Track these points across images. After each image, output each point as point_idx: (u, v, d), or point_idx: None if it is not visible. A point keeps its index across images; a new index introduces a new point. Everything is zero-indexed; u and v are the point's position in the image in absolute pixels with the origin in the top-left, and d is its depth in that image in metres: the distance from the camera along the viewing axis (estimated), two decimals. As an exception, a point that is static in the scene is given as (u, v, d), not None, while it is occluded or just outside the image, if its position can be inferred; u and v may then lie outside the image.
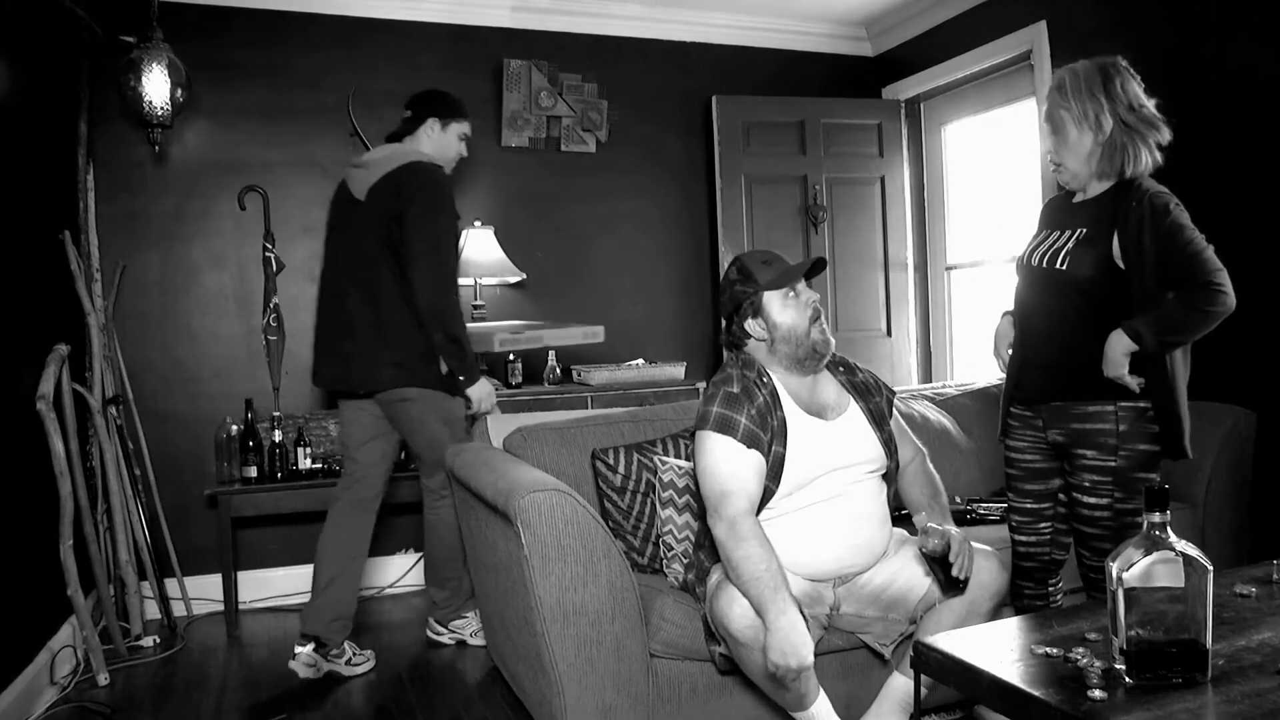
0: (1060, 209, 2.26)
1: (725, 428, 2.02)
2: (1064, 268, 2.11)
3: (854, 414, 2.20)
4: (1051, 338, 2.16)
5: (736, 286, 2.17)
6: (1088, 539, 2.15)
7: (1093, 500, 2.10)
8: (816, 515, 2.09)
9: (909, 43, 4.52)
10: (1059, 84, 2.14)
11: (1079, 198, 2.21)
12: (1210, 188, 3.08)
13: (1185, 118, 3.17)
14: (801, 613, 1.99)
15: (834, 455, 2.11)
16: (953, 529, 2.07)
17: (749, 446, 2.02)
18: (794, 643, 1.81)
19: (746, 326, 2.17)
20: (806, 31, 4.60)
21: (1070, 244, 2.12)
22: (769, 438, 2.05)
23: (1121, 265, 2.05)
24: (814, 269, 2.18)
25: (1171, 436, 2.08)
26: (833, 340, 2.18)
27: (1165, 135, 2.10)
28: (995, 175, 4.31)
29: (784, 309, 2.14)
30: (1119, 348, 2.01)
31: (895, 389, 2.42)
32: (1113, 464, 2.07)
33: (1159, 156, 2.10)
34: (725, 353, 2.29)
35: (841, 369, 2.28)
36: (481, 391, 2.93)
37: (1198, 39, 3.15)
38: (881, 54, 4.73)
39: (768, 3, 4.32)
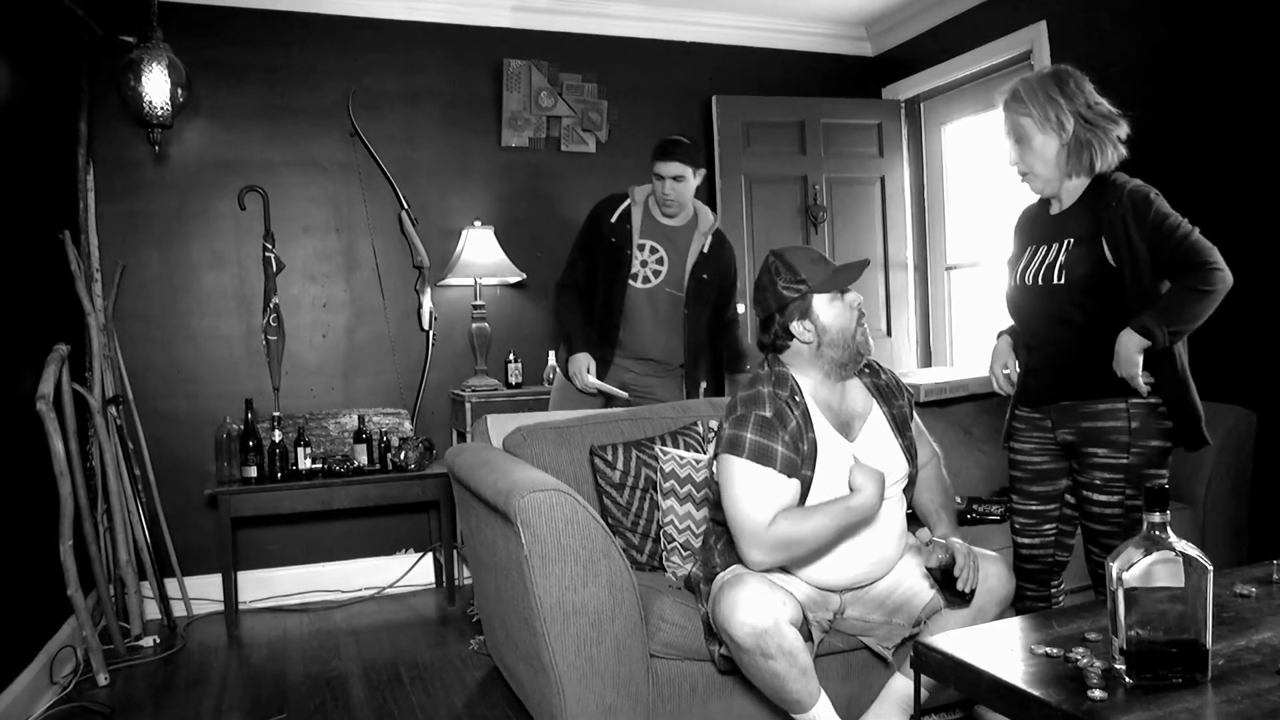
0: (1038, 222, 2.25)
1: (763, 457, 1.93)
2: (1061, 282, 2.11)
3: (877, 421, 2.14)
4: (1055, 343, 2.16)
5: (782, 285, 2.06)
6: (1097, 536, 2.15)
7: (1103, 498, 2.11)
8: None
9: (909, 43, 4.52)
10: (1014, 94, 2.17)
11: (1055, 209, 2.21)
12: (1209, 185, 3.08)
13: (1184, 115, 3.19)
14: (806, 618, 1.99)
15: None
16: (956, 541, 2.05)
17: (789, 475, 1.95)
18: (870, 481, 1.89)
19: (792, 328, 2.05)
20: (806, 31, 4.60)
21: (1061, 256, 2.12)
22: (800, 462, 1.98)
23: (1114, 264, 2.05)
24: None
25: (1189, 428, 2.09)
26: (872, 343, 2.12)
27: (1124, 129, 2.12)
28: (995, 175, 4.30)
29: (832, 311, 2.05)
30: (1131, 346, 2.00)
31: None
32: (1125, 461, 2.08)
33: (1123, 150, 2.12)
34: (761, 355, 2.18)
35: (866, 370, 2.20)
36: (569, 367, 3.24)
37: (1197, 38, 3.15)
38: (881, 54, 4.73)
39: (768, 3, 4.32)
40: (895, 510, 2.12)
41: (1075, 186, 2.16)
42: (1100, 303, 2.07)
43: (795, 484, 1.96)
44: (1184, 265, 1.99)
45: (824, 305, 2.05)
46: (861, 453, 2.06)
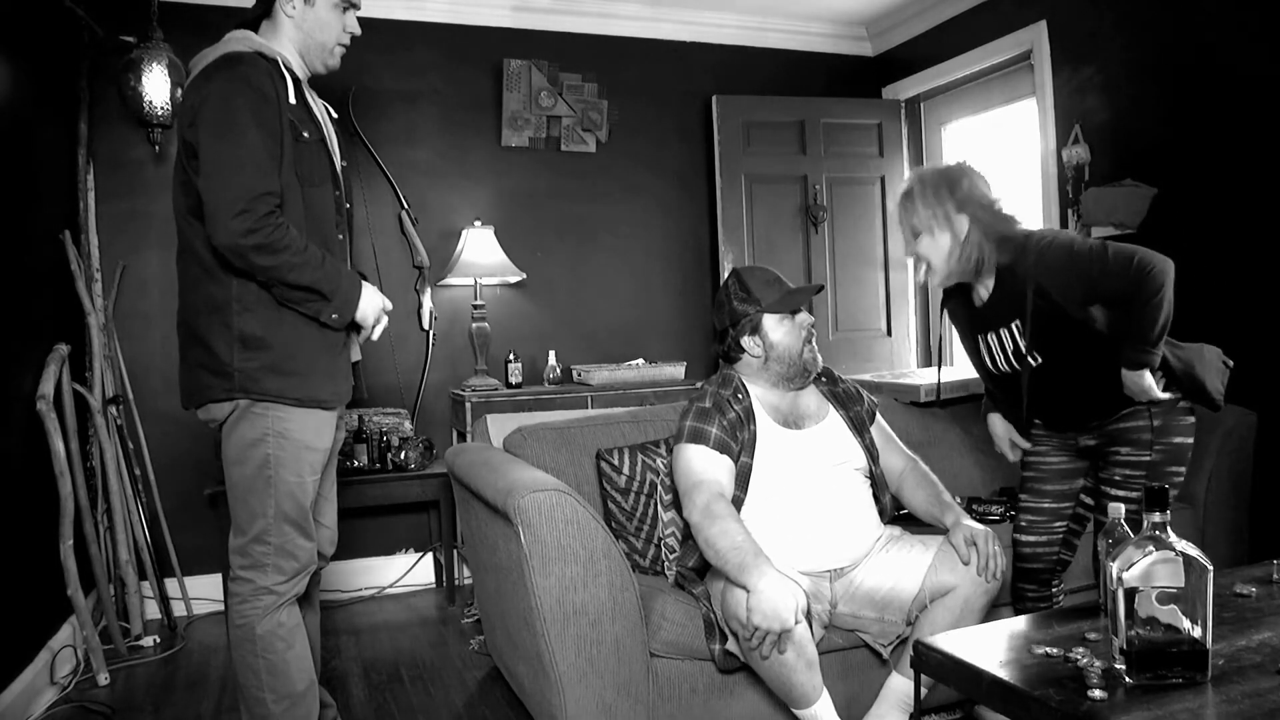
0: (970, 311, 2.27)
1: (696, 438, 2.14)
2: (1039, 361, 2.14)
3: (833, 421, 2.29)
4: (1059, 397, 2.20)
5: (736, 302, 2.25)
6: None
7: (1121, 494, 2.13)
8: (799, 510, 2.16)
9: (909, 43, 4.52)
10: (907, 192, 2.19)
11: (977, 301, 2.22)
12: (1209, 186, 3.08)
13: (1184, 115, 3.19)
14: (808, 604, 2.00)
15: (808, 462, 2.19)
16: (973, 527, 2.09)
17: (720, 452, 2.13)
18: (776, 605, 1.82)
19: (743, 343, 2.25)
20: (806, 31, 4.61)
21: (1021, 341, 2.13)
22: (738, 448, 2.14)
23: (1068, 314, 2.08)
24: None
25: (1204, 399, 2.13)
26: (820, 359, 2.28)
27: (1019, 225, 2.15)
28: (995, 175, 4.29)
29: (781, 329, 2.23)
30: (1141, 379, 2.05)
31: (878, 400, 2.51)
32: (1148, 458, 2.12)
33: (1011, 249, 2.11)
34: (720, 361, 2.35)
35: (824, 379, 2.37)
36: None
37: (1197, 37, 3.15)
38: (881, 54, 4.73)
39: (768, 3, 4.32)
40: (857, 487, 2.24)
41: (986, 280, 2.18)
42: (1082, 352, 2.10)
43: (727, 460, 2.12)
44: (1128, 291, 2.00)
45: (773, 324, 2.23)
46: (812, 440, 2.21)
